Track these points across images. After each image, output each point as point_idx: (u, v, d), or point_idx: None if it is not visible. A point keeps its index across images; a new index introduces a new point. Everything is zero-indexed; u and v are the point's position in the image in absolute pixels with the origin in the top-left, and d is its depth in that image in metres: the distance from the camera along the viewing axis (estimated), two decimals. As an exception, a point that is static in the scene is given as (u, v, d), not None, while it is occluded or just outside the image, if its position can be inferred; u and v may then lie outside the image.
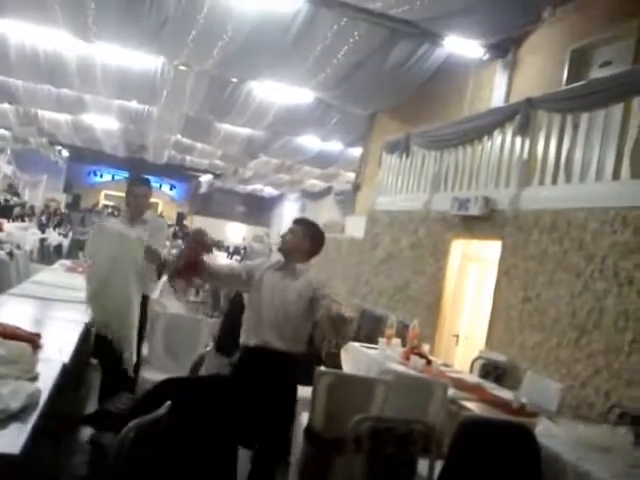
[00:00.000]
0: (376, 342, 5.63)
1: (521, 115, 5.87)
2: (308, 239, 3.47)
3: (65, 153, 26.86)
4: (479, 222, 6.30)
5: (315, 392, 3.48)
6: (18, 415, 2.12)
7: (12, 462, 1.83)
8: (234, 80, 11.72)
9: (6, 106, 15.80)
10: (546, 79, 7.44)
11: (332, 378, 3.51)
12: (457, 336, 7.06)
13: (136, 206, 4.34)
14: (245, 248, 26.37)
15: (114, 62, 11.01)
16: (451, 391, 3.86)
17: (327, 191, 22.64)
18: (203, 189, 30.11)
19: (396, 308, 7.50)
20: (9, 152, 24.82)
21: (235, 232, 30.68)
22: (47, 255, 14.70)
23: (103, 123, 17.09)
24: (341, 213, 15.19)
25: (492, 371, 5.13)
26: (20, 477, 1.96)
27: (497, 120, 6.37)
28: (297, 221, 3.63)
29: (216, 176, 27.42)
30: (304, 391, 4.50)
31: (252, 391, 3.14)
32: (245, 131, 15.46)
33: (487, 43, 8.44)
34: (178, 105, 13.44)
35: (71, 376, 3.12)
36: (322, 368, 5.17)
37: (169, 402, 2.25)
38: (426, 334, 6.38)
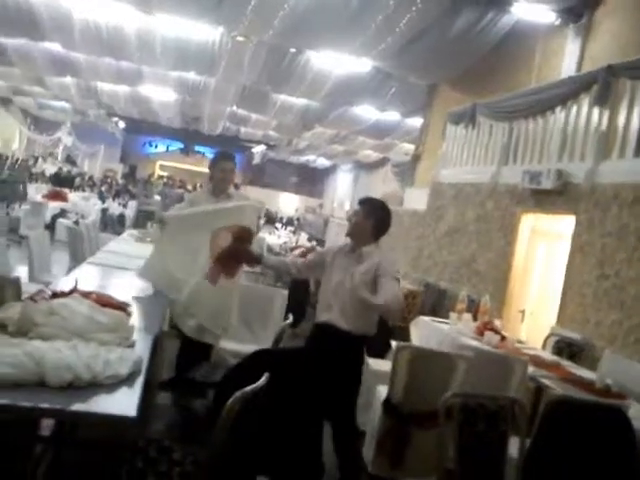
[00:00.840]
0: (439, 316, 5.59)
1: (600, 84, 5.63)
2: (373, 220, 3.40)
3: (122, 124, 27.36)
4: (551, 196, 6.13)
5: (395, 366, 3.48)
6: (126, 380, 2.19)
7: (129, 423, 1.90)
8: (292, 50, 11.63)
9: (68, 79, 16.13)
10: (624, 44, 7.08)
11: (413, 352, 3.50)
12: (523, 312, 6.95)
13: (222, 181, 4.40)
14: (298, 219, 26.52)
15: (173, 34, 11.08)
16: (531, 368, 3.80)
17: (382, 162, 22.42)
18: (256, 160, 30.23)
19: (461, 282, 7.42)
20: (69, 124, 25.48)
21: (288, 203, 30.78)
22: (111, 225, 15.07)
23: (160, 95, 17.27)
24: (399, 185, 15.02)
25: (566, 348, 5.03)
26: (134, 435, 2.03)
27: (572, 90, 6.14)
28: (362, 202, 3.53)
29: (269, 147, 27.48)
30: (378, 364, 4.52)
31: (320, 366, 3.16)
32: (301, 101, 15.40)
33: (558, 7, 8.10)
34: (235, 76, 13.46)
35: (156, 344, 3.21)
36: (395, 342, 5.20)
37: (266, 374, 2.27)
38: (493, 309, 6.29)
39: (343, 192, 28.25)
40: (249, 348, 4.32)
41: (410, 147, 16.05)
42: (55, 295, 2.87)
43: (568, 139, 6.15)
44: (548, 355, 4.51)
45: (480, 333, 4.66)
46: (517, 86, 8.36)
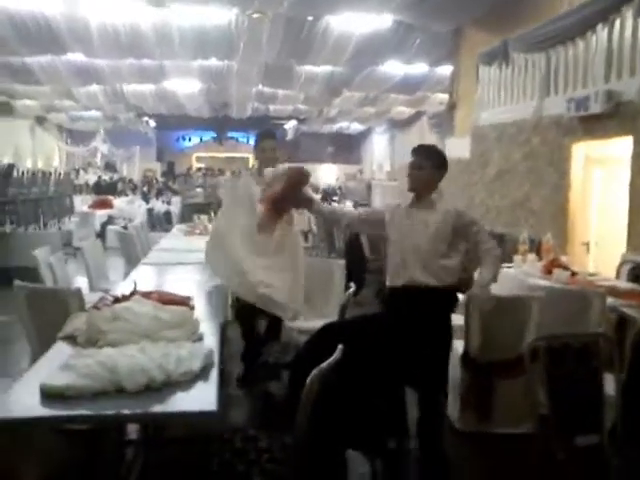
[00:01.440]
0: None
1: (640, -8, 5.28)
2: (433, 166, 3.27)
3: (152, 123, 27.59)
4: (602, 120, 5.83)
5: (468, 318, 3.37)
6: (200, 374, 2.15)
7: (211, 417, 1.87)
8: (310, 18, 11.39)
9: (95, 87, 16.29)
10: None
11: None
12: (587, 244, 6.71)
13: (266, 160, 4.29)
14: (340, 188, 26.36)
15: (188, 23, 11.00)
16: (609, 300, 3.63)
17: (416, 117, 21.94)
18: (289, 136, 30.06)
19: (518, 224, 7.20)
20: (102, 131, 25.86)
21: (328, 174, 30.63)
22: (158, 223, 15.28)
23: (185, 87, 17.28)
24: (438, 137, 14.68)
25: (642, 274, 4.80)
26: (218, 429, 2.01)
27: (612, 4, 5.78)
28: (417, 151, 3.36)
29: (300, 121, 27.30)
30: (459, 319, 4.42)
31: (407, 330, 3.05)
32: (325, 69, 15.14)
33: None
34: (256, 55, 13.30)
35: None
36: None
37: (340, 346, 2.20)
38: (555, 246, 6.06)
39: (380, 154, 27.87)
40: (316, 324, 4.28)
41: (444, 97, 15.63)
42: (117, 300, 2.87)
43: (614, 57, 5.81)
44: (624, 284, 4.31)
45: (548, 272, 4.50)
46: (548, 14, 7.95)
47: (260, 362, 3.44)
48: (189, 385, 2.06)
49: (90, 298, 4.74)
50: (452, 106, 12.96)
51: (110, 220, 14.19)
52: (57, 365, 2.11)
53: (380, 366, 2.75)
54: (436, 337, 3.09)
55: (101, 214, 14.30)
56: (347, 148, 32.55)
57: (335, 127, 29.15)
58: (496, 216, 7.96)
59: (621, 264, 5.10)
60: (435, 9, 10.26)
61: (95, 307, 2.84)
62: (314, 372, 2.01)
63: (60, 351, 2.39)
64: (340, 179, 28.95)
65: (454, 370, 3.63)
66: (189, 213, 13.06)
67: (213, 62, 14.13)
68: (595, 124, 5.94)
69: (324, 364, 2.08)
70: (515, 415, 3.45)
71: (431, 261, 3.12)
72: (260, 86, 17.78)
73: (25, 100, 17.96)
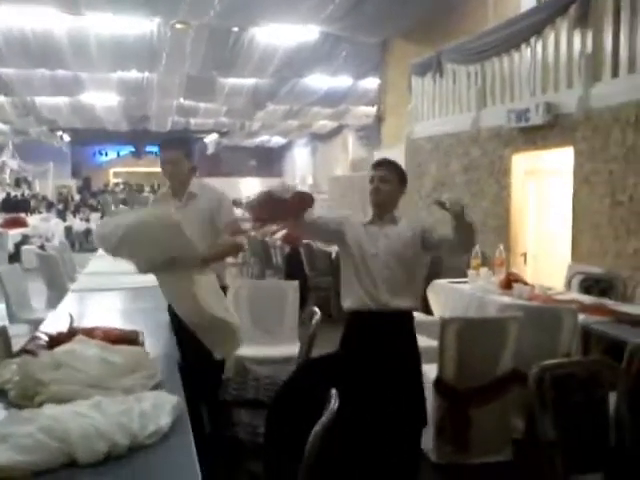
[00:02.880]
0: (444, 278, 5.25)
1: (578, 4, 5.31)
2: (398, 182, 3.04)
3: (67, 138, 26.33)
4: (542, 131, 5.83)
5: (443, 341, 3.14)
6: (170, 433, 1.80)
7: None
8: (235, 29, 11.09)
9: (1, 99, 15.28)
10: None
11: (460, 324, 3.17)
12: (525, 255, 6.72)
13: (170, 177, 3.39)
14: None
15: (107, 32, 10.44)
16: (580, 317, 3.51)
17: (338, 130, 22.02)
18: (210, 150, 29.49)
19: (458, 237, 7.12)
20: (11, 146, 24.43)
21: (250, 188, 30.23)
22: (78, 242, 14.45)
23: (103, 100, 16.55)
24: (366, 149, 14.65)
25: (594, 285, 4.77)
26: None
27: (546, 16, 5.82)
28: (382, 164, 3.07)
29: (222, 134, 26.83)
30: (422, 341, 4.20)
31: (379, 360, 2.77)
32: (250, 82, 14.87)
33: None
34: (179, 66, 12.85)
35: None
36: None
37: (334, 392, 1.90)
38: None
39: (302, 167, 27.85)
40: (269, 351, 3.98)
41: (367, 110, 15.71)
42: (53, 341, 2.46)
43: (550, 69, 5.85)
44: (586, 298, 4.23)
45: (507, 287, 4.37)
46: (474, 27, 8.02)
47: (218, 401, 3.06)
48: (160, 448, 1.69)
49: (14, 332, 4.24)
50: (379, 118, 12.98)
51: (25, 240, 13.25)
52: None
53: (374, 405, 2.46)
54: (412, 363, 2.85)
55: (14, 234, 13.31)
56: (269, 161, 32.34)
57: (257, 140, 28.87)
58: (435, 230, 7.87)
59: (572, 276, 5.06)
60: (363, 22, 10.22)
61: (28, 351, 2.41)
62: (316, 429, 1.71)
63: (-15, 413, 1.96)
64: (264, 193, 28.54)
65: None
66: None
67: (133, 74, 13.56)
68: (535, 135, 5.95)
69: (325, 418, 1.77)
70: (491, 443, 3.26)
71: (402, 281, 2.88)
72: (181, 99, 17.28)
73: None
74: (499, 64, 6.66)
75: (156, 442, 1.72)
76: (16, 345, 2.81)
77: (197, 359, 2.88)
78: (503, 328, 3.16)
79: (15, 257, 12.24)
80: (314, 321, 2.99)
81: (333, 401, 1.82)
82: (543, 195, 6.59)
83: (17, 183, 26.50)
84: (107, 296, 4.29)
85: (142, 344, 2.67)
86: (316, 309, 3.16)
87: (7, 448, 1.57)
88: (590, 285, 4.78)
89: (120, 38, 10.61)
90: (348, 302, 2.95)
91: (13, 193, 23.44)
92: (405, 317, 2.88)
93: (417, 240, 2.94)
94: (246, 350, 3.90)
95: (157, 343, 2.83)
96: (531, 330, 3.30)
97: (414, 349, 2.89)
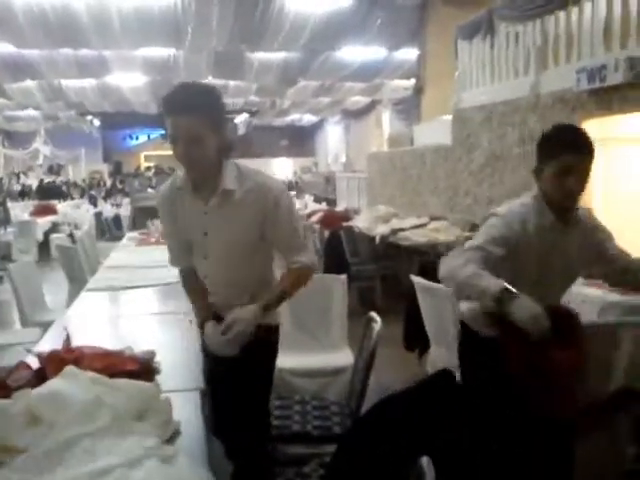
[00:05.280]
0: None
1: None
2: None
3: (97, 122, 26.03)
4: (621, 91, 5.05)
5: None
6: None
7: None
8: (263, -3, 10.42)
9: (29, 83, 14.94)
10: None
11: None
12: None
13: (191, 162, 2.10)
14: (297, 182, 25.44)
15: (129, 4, 9.87)
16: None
17: (372, 106, 21.24)
18: (241, 130, 28.94)
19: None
20: (43, 132, 24.27)
21: (283, 168, 29.74)
22: (107, 229, 14.04)
23: (129, 80, 16.10)
24: (403, 124, 13.87)
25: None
26: None
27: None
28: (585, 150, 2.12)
29: (252, 114, 26.24)
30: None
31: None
32: (279, 56, 14.20)
33: None
34: (205, 41, 12.24)
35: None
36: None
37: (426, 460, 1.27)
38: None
39: (335, 145, 27.16)
40: (315, 360, 3.37)
41: (403, 83, 14.93)
42: (40, 374, 1.87)
43: (631, 17, 5.03)
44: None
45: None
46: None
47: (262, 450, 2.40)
48: None
49: (24, 337, 3.73)
50: (419, 90, 12.19)
51: (54, 228, 12.88)
52: None
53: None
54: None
55: (44, 222, 12.91)
56: (301, 141, 31.73)
57: (288, 119, 28.26)
58: (487, 207, 7.13)
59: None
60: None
61: (4, 385, 1.82)
62: None
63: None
64: (299, 173, 28.10)
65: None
66: (141, 218, 11.87)
67: (158, 52, 13.04)
68: (612, 97, 5.16)
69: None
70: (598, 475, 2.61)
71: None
72: (210, 78, 16.71)
73: (-49, 100, 16.45)
74: (565, 17, 5.85)
75: None
76: (17, 358, 2.23)
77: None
78: (611, 337, 2.49)
79: (44, 246, 11.87)
80: (374, 333, 2.35)
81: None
82: (614, 169, 5.81)
83: (50, 170, 26.42)
84: (123, 296, 3.71)
85: (155, 371, 2.08)
86: (375, 315, 2.52)
87: None
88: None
89: (143, 11, 10.05)
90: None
91: (46, 180, 23.28)
92: None
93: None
94: (287, 360, 3.30)
95: (178, 368, 2.22)
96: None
97: None
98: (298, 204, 14.43)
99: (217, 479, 1.49)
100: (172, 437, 1.64)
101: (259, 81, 16.99)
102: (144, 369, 1.99)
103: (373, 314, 2.60)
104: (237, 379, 2.09)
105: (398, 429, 1.51)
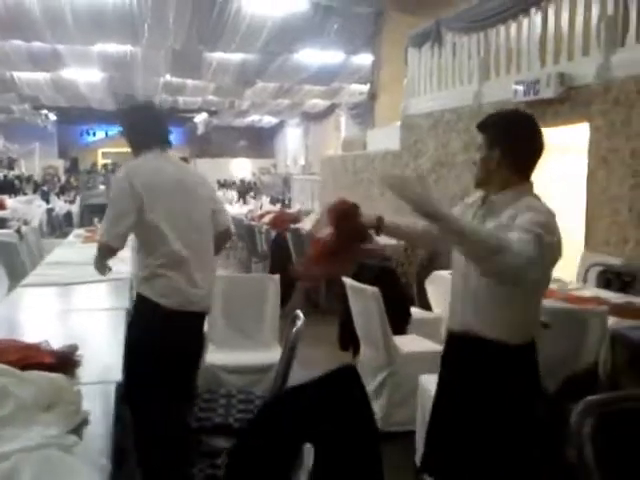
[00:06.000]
0: (445, 266, 4.73)
1: (596, -39, 4.74)
2: (501, 147, 1.99)
3: (52, 117, 25.58)
4: (553, 105, 5.28)
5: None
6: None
7: None
8: (220, -1, 10.44)
9: (-21, 74, 14.62)
10: None
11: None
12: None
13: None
14: (255, 183, 25.44)
15: (83, 0, 9.78)
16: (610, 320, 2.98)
17: (331, 110, 21.43)
18: (200, 130, 28.83)
19: (459, 221, 6.58)
20: (-6, 124, 23.73)
21: (241, 169, 29.69)
22: (58, 226, 13.83)
23: (85, 76, 15.88)
24: (358, 128, 14.05)
25: (614, 279, 4.24)
26: None
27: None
28: (481, 127, 2.08)
29: (211, 113, 26.14)
30: (406, 342, 3.67)
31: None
32: (237, 57, 14.23)
33: None
34: (163, 39, 12.17)
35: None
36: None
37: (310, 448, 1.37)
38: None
39: (294, 148, 27.27)
40: (246, 357, 3.45)
41: (360, 88, 15.12)
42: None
43: (563, 36, 5.26)
44: (610, 295, 3.69)
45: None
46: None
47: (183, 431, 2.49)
48: None
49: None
50: (373, 96, 12.37)
51: (2, 223, 12.61)
52: None
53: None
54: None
55: (-11, 217, 12.65)
56: (260, 142, 31.73)
57: (247, 120, 28.22)
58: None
59: (588, 267, 4.52)
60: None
61: None
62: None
63: None
64: (257, 174, 28.09)
65: (423, 411, 2.88)
66: (89, 215, 11.73)
67: (115, 48, 12.91)
68: (545, 110, 5.39)
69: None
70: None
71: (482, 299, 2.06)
72: (168, 76, 16.62)
73: None
74: (505, 32, 6.09)
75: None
76: None
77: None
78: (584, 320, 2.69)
79: (-9, 241, 11.63)
80: (295, 328, 2.45)
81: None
82: (552, 177, 6.05)
83: (1, 164, 25.78)
84: (60, 292, 3.72)
85: (75, 365, 2.13)
86: (299, 313, 2.61)
87: None
88: (609, 278, 4.25)
89: (96, 6, 9.95)
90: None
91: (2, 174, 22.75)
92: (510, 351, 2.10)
93: None
94: (218, 356, 3.38)
95: (98, 362, 2.27)
96: (557, 338, 2.77)
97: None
98: (253, 205, 14.49)
99: (122, 470, 1.55)
100: (79, 427, 1.70)
101: (217, 81, 16.96)
102: (61, 362, 2.04)
103: (298, 312, 2.69)
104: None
105: (290, 418, 1.61)
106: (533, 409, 2.03)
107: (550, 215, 1.93)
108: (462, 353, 2.07)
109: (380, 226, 2.20)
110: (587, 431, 1.63)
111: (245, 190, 22.00)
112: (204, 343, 2.91)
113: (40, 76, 15.55)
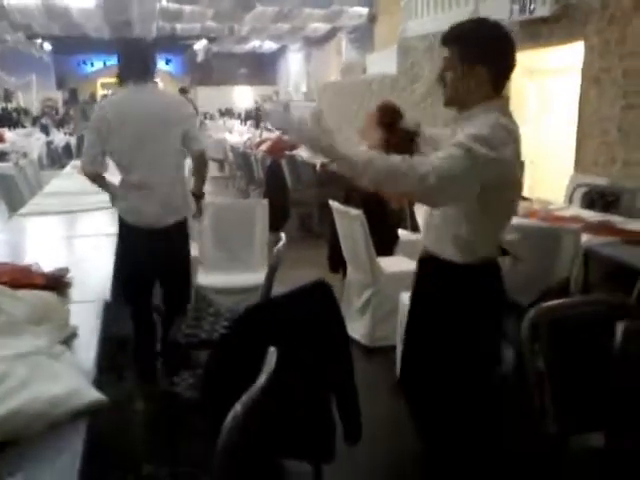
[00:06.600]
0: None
1: None
2: (469, 59, 1.95)
3: (48, 46, 25.02)
4: (548, 24, 5.19)
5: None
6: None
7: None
8: None
9: (-34, 0, 14.25)
10: None
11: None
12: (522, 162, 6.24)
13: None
14: (258, 110, 25.13)
15: None
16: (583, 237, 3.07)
17: (332, 34, 20.88)
18: (200, 57, 28.22)
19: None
20: (-11, 55, 23.29)
21: (244, 96, 29.25)
22: (58, 158, 13.86)
23: (78, 1, 15.44)
24: (357, 52, 13.78)
25: (597, 199, 4.30)
26: None
27: None
28: (445, 40, 2.07)
29: (211, 40, 25.52)
30: (390, 263, 3.79)
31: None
32: (235, -21, 13.80)
33: None
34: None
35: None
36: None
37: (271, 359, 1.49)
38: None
39: (296, 74, 26.72)
40: (234, 279, 3.58)
41: (362, 10, 14.71)
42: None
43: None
44: (590, 214, 3.78)
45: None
46: None
47: (168, 343, 2.68)
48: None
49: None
50: (372, 18, 12.08)
51: (1, 157, 12.64)
52: None
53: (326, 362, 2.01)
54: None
55: (-12, 150, 12.67)
56: (261, 69, 31.10)
57: (248, 46, 27.57)
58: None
59: (574, 188, 4.58)
60: None
61: None
62: (235, 411, 1.30)
63: None
64: (259, 102, 27.70)
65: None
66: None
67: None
68: (540, 29, 5.31)
69: (246, 397, 1.36)
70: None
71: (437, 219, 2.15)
72: (164, 1, 16.19)
73: None
74: (501, -53, 5.91)
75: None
76: None
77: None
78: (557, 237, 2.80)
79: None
80: (276, 249, 2.55)
81: (263, 379, 1.40)
82: (545, 97, 6.03)
83: (-2, 96, 25.47)
84: (56, 220, 3.84)
85: (66, 285, 2.26)
86: (282, 236, 2.72)
87: None
88: (594, 198, 4.32)
89: None
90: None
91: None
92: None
93: None
94: (207, 278, 3.52)
95: (88, 283, 2.40)
96: (530, 255, 2.88)
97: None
98: (256, 133, 14.39)
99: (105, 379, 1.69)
100: (68, 340, 1.83)
101: (215, 5, 16.51)
102: (52, 283, 2.17)
103: (281, 234, 2.80)
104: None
105: (263, 326, 1.74)
106: (491, 326, 2.09)
107: (499, 130, 1.83)
108: (424, 272, 2.18)
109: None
110: (538, 335, 1.75)
111: (245, 118, 21.78)
112: (180, 258, 3.07)
113: (31, 1, 15.17)
